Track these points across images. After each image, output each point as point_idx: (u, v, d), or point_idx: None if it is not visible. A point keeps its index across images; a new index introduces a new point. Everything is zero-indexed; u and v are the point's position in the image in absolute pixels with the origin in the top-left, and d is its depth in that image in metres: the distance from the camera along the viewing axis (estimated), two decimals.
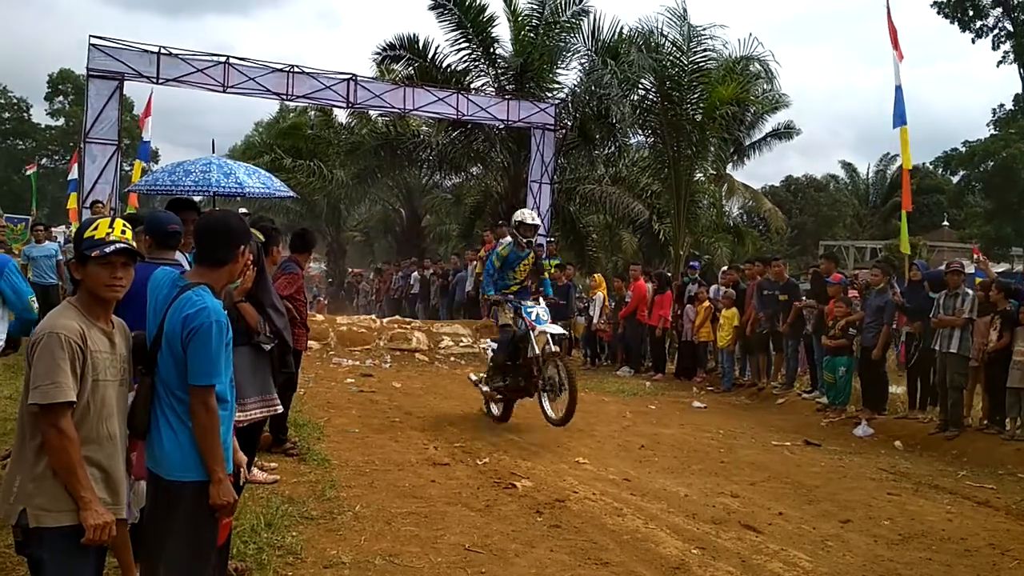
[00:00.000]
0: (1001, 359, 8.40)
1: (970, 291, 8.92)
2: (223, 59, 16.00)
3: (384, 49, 21.18)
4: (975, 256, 19.61)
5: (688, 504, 6.11)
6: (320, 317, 14.98)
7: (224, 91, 16.10)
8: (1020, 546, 5.54)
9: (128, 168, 22.79)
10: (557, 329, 8.41)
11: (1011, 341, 8.32)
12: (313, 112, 27.75)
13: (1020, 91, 33.97)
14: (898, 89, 11.07)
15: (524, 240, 8.61)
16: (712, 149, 20.75)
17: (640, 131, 20.60)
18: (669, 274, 15.37)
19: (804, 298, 11.26)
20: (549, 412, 8.06)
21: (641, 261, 19.85)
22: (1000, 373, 8.41)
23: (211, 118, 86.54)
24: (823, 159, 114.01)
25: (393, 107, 17.85)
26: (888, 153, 38.53)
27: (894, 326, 9.84)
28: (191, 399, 2.80)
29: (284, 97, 17.27)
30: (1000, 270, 20.89)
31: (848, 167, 42.71)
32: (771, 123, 29.43)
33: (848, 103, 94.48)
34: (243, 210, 15.33)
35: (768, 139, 30.02)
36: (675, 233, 18.80)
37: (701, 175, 21.74)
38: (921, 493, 6.88)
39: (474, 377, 9.10)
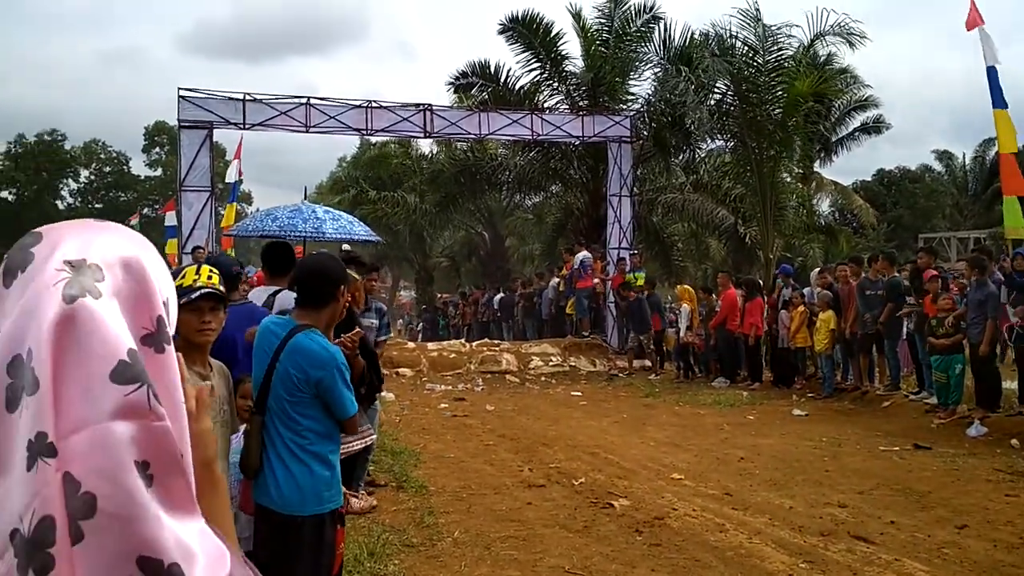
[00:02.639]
0: None
1: None
2: (304, 100, 16.60)
3: (457, 77, 21.57)
4: None
5: (793, 516, 5.92)
6: (411, 344, 15.27)
7: (307, 131, 16.69)
8: None
9: (222, 211, 23.86)
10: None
11: None
12: (394, 144, 28.41)
13: None
14: (991, 69, 10.55)
15: None
16: (797, 147, 20.22)
17: (719, 135, 20.26)
18: (760, 280, 14.99)
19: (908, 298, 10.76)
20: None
21: (729, 268, 19.49)
22: None
23: (298, 157, 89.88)
24: (917, 149, 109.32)
25: (469, 133, 18.12)
26: (987, 138, 36.63)
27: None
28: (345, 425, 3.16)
29: (364, 132, 17.79)
30: None
31: (944, 155, 40.79)
32: (859, 119, 28.60)
33: (939, 89, 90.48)
34: (346, 247, 15.84)
35: (856, 134, 29.07)
36: (763, 237, 18.35)
37: (787, 175, 21.19)
38: None
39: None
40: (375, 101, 17.18)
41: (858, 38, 17.78)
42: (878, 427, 9.51)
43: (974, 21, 11.02)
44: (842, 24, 17.50)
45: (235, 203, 18.85)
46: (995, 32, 10.97)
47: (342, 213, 10.09)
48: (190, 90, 15.82)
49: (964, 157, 39.59)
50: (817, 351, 12.09)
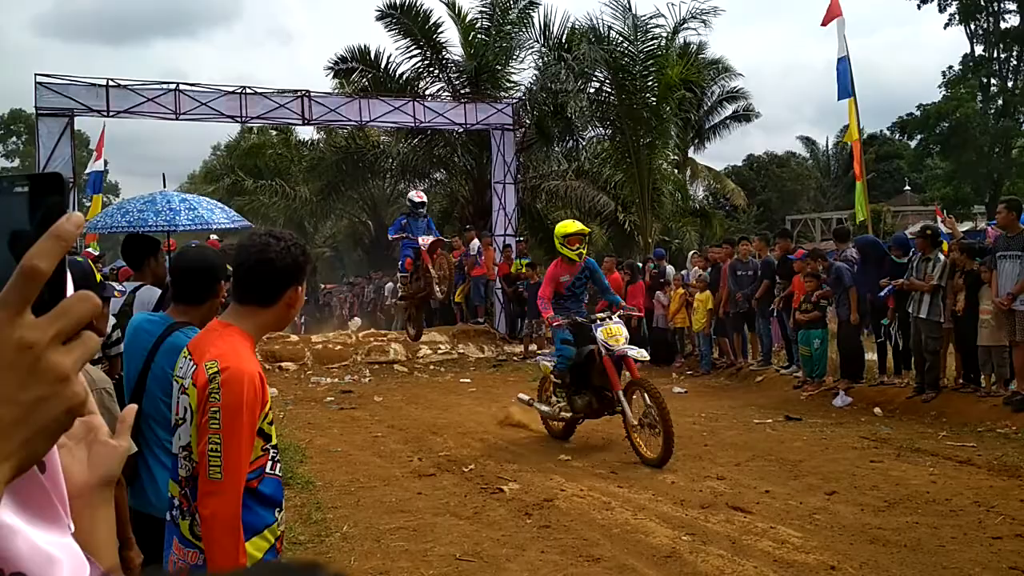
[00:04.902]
0: (970, 318, 8.52)
1: (942, 256, 8.98)
2: (173, 86, 15.82)
3: (336, 63, 21.11)
4: (939, 218, 19.89)
5: (676, 491, 6.13)
6: (294, 337, 14.86)
7: (177, 119, 15.91)
8: (1004, 502, 5.62)
9: (88, 203, 22.51)
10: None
11: (978, 300, 8.44)
12: (272, 132, 27.58)
13: (968, 51, 34.55)
14: (842, 60, 11.21)
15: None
16: (672, 135, 20.88)
17: (599, 123, 20.71)
18: (639, 263, 15.43)
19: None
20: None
21: (612, 252, 19.96)
22: (970, 332, 8.53)
23: (170, 146, 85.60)
24: (786, 135, 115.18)
25: (350, 120, 17.74)
26: (846, 124, 39.01)
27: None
28: None
29: (238, 120, 17.10)
30: (965, 229, 21.18)
31: (808, 141, 43.19)
32: (731, 108, 29.91)
33: (806, 78, 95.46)
34: (214, 236, 15.19)
35: (728, 121, 30.38)
36: (642, 221, 18.91)
37: (663, 162, 21.86)
38: (903, 457, 6.96)
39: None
40: (249, 87, 16.54)
41: (711, 17, 18.84)
42: (752, 401, 9.99)
43: (833, 14, 11.67)
44: (698, 10, 18.52)
45: (100, 195, 17.74)
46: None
47: (203, 200, 9.53)
48: (48, 75, 14.77)
49: (827, 142, 42.09)
50: (695, 330, 12.57)
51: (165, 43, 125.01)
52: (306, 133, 28.05)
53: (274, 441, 2.27)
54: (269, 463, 2.26)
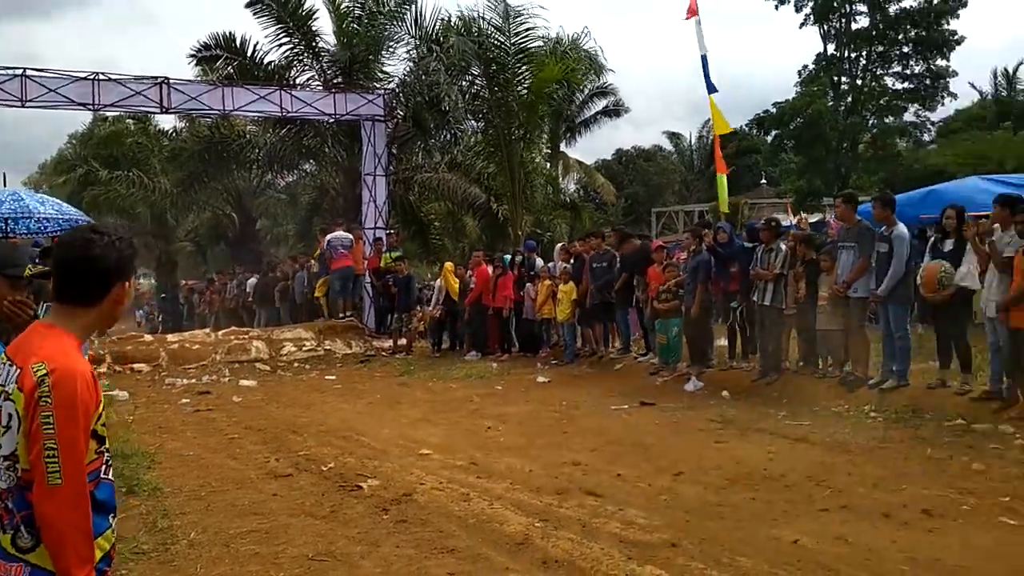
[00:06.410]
0: (810, 305, 9.10)
1: (783, 246, 9.52)
2: (20, 71, 14.79)
3: (200, 49, 20.34)
4: (788, 212, 21.15)
5: (533, 479, 6.25)
6: (148, 337, 14.17)
7: (23, 106, 14.93)
8: (833, 476, 6.03)
9: None
10: None
11: (817, 287, 9.03)
12: (130, 120, 26.21)
13: (821, 50, 36.62)
14: (703, 58, 11.72)
15: None
16: (544, 129, 21.24)
17: (472, 116, 20.80)
18: (508, 256, 15.61)
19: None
20: None
21: (483, 245, 20.12)
22: (810, 318, 9.12)
23: (20, 133, 79.31)
24: (655, 130, 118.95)
25: (212, 108, 17.07)
26: (708, 119, 40.71)
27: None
28: None
29: (90, 108, 16.19)
30: (814, 220, 22.57)
31: (673, 136, 44.82)
32: (601, 103, 30.68)
33: (675, 74, 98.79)
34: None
35: (598, 116, 31.16)
36: (513, 214, 19.14)
37: (535, 155, 22.22)
38: (746, 437, 7.37)
39: None
40: (103, 73, 15.66)
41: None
42: (611, 388, 10.31)
43: (692, 11, 12.17)
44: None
45: None
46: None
47: (24, 195, 8.83)
48: None
49: (691, 137, 43.83)
50: (559, 321, 12.84)
51: (14, 24, 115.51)
52: (167, 122, 26.84)
53: (107, 444, 2.17)
54: (103, 467, 2.17)
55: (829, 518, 5.16)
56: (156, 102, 16.18)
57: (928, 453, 6.49)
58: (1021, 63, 33.51)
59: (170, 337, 14.37)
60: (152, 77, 16.14)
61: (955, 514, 5.06)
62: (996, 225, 7.50)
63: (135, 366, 12.69)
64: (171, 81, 16.30)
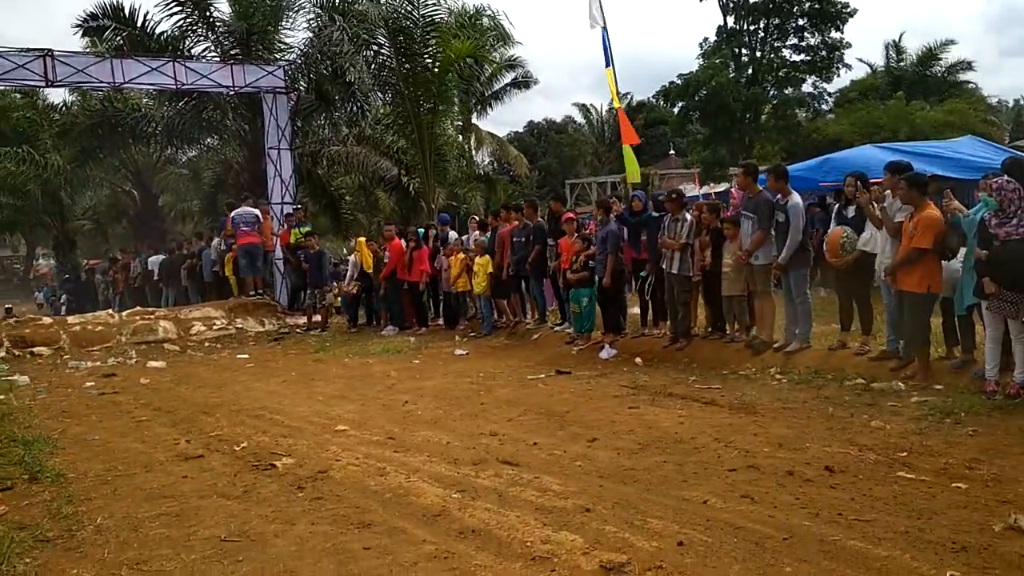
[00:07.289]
0: (715, 271, 9.37)
1: (689, 216, 9.77)
2: None
3: (86, 20, 19.36)
4: (696, 182, 21.67)
5: (450, 451, 6.28)
6: (47, 320, 13.51)
7: None
8: (740, 436, 6.25)
9: None
10: None
11: (722, 255, 9.30)
12: (16, 94, 24.74)
13: (721, 23, 37.34)
14: (603, 31, 11.81)
15: None
16: (455, 101, 21.02)
17: (379, 88, 20.43)
18: (422, 229, 15.50)
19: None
20: None
21: (398, 219, 19.93)
22: (716, 284, 9.40)
23: None
24: (566, 101, 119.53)
25: (101, 81, 16.29)
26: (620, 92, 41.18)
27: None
28: None
29: None
30: (721, 190, 23.16)
31: (583, 108, 45.15)
32: (510, 75, 30.61)
33: (584, 46, 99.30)
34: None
35: (508, 88, 31.10)
36: (425, 188, 18.99)
37: (448, 127, 22.04)
38: (657, 403, 7.57)
39: None
40: None
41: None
42: (528, 358, 10.43)
43: None
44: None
45: None
46: None
47: None
48: None
49: (601, 108, 44.23)
50: (476, 293, 12.87)
51: None
52: (58, 96, 25.43)
53: None
54: None
55: (736, 478, 5.34)
56: (40, 75, 15.39)
57: (830, 412, 6.76)
58: (903, 33, 35.01)
59: (71, 319, 13.73)
60: (36, 49, 15.31)
61: (856, 470, 5.27)
62: (887, 191, 7.83)
63: (35, 350, 12.09)
64: (55, 53, 15.50)
